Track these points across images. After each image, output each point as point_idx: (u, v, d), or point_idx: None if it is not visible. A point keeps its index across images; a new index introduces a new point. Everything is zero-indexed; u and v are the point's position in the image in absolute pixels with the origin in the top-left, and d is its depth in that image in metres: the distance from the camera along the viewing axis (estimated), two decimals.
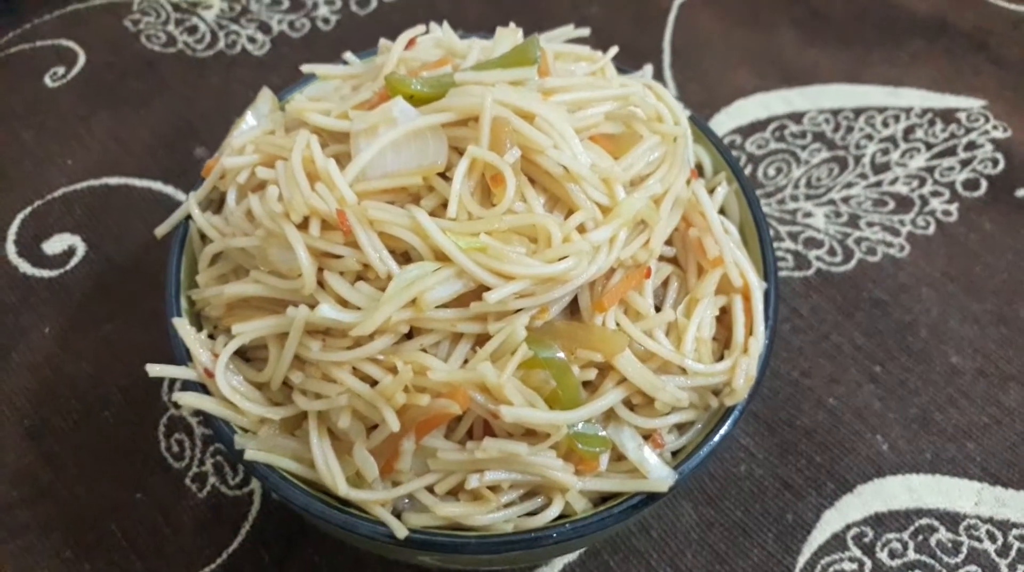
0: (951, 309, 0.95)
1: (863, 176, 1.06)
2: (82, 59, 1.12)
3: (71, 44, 1.13)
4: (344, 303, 0.58)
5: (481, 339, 0.58)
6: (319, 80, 0.73)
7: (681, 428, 0.63)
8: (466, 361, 0.58)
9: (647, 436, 0.61)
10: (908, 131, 1.10)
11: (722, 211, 0.72)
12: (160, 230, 0.69)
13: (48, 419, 0.85)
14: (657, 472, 0.58)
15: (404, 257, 0.59)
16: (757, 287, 0.63)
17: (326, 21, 1.18)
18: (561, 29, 0.77)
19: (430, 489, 0.59)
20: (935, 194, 1.04)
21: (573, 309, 0.61)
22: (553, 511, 0.58)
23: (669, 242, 0.64)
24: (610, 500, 0.60)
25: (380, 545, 0.58)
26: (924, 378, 0.90)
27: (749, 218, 0.70)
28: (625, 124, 0.65)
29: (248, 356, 0.64)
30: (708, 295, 0.61)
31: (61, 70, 1.11)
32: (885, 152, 1.08)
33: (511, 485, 0.58)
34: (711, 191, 0.70)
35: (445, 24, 0.70)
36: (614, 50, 0.68)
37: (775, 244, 1.00)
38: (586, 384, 0.60)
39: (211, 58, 1.14)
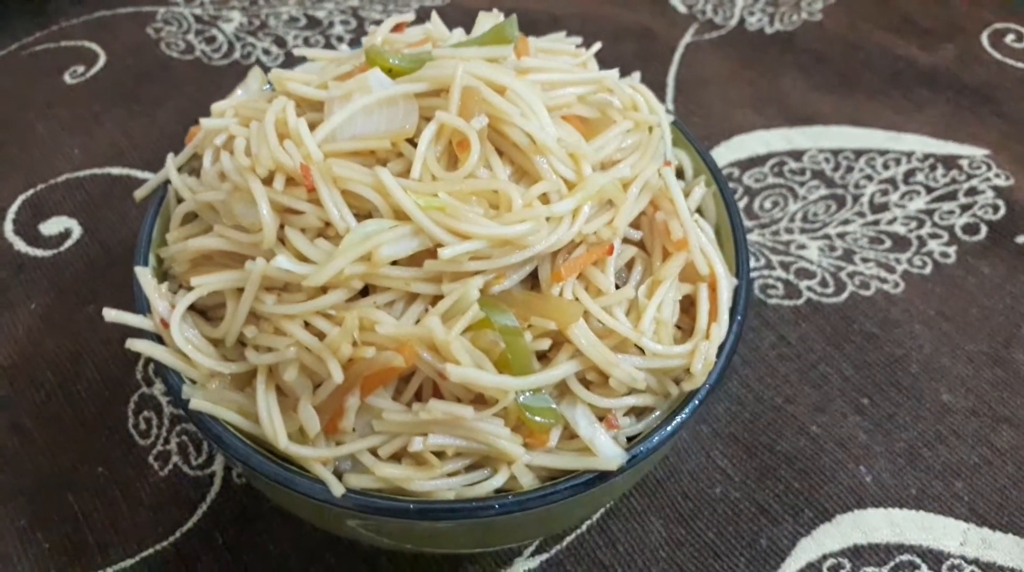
0: (944, 347, 0.93)
1: (861, 214, 1.05)
2: (102, 60, 1.16)
3: (93, 46, 1.18)
4: (303, 260, 0.58)
5: (436, 301, 0.57)
6: (309, 62, 0.75)
7: (639, 415, 0.62)
8: (418, 322, 0.57)
9: (602, 418, 0.59)
10: (909, 174, 1.10)
11: (700, 212, 0.72)
12: (139, 193, 0.70)
13: (22, 390, 0.86)
14: (607, 451, 0.57)
15: (367, 219, 0.59)
16: (724, 276, 0.62)
17: (340, 39, 1.22)
18: (551, 35, 0.78)
19: (373, 452, 0.57)
20: (933, 236, 1.03)
21: (534, 284, 0.61)
22: (497, 480, 0.56)
23: (637, 227, 0.64)
24: (557, 479, 0.58)
25: (316, 507, 0.57)
26: (913, 413, 0.88)
27: (726, 221, 0.70)
28: (600, 111, 0.65)
29: (208, 315, 0.64)
30: (671, 277, 0.60)
31: (81, 69, 1.15)
32: (884, 193, 1.08)
33: (456, 453, 0.57)
34: (688, 193, 0.70)
35: (434, 14, 0.72)
36: (597, 46, 0.69)
37: (764, 271, 0.99)
38: (541, 358, 0.59)
39: (226, 67, 1.17)
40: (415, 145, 0.59)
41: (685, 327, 0.64)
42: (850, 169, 1.10)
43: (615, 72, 0.66)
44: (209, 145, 0.66)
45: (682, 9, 1.31)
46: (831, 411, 0.88)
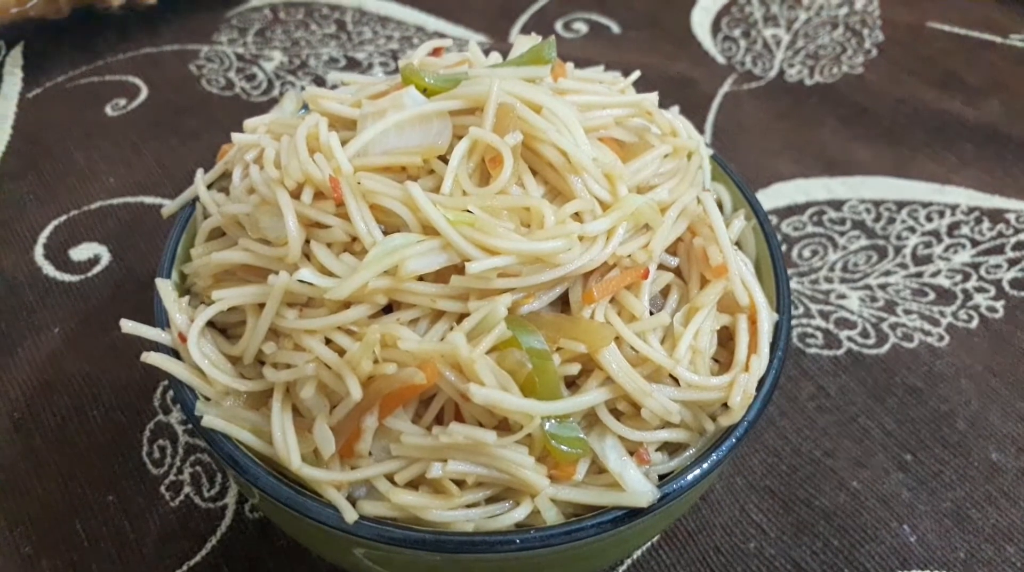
0: (993, 404, 0.89)
1: (903, 266, 1.02)
2: (144, 94, 1.18)
3: (136, 80, 1.20)
4: (328, 274, 0.56)
5: (463, 320, 0.55)
6: (344, 87, 0.74)
7: (672, 452, 0.58)
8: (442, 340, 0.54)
9: (632, 452, 0.56)
10: (953, 227, 1.06)
11: (738, 245, 0.69)
12: (167, 210, 0.69)
13: (37, 414, 0.84)
14: (638, 486, 0.53)
15: None
16: (764, 306, 0.59)
17: None
18: (589, 69, 0.77)
19: (390, 478, 0.54)
20: (980, 290, 1.00)
21: (563, 309, 0.58)
22: (518, 513, 0.53)
23: (673, 253, 0.61)
24: (583, 515, 0.55)
25: (327, 534, 0.54)
26: (960, 472, 0.83)
27: (766, 255, 0.67)
28: (638, 135, 0.63)
29: (228, 333, 0.63)
30: (708, 305, 0.57)
31: (123, 102, 1.17)
32: (928, 245, 1.04)
33: (477, 482, 0.54)
34: (727, 226, 0.68)
35: (472, 42, 0.72)
36: (636, 74, 0.68)
37: (803, 320, 0.95)
38: (568, 386, 0.57)
39: (265, 103, 1.18)
40: (447, 163, 0.58)
41: (722, 361, 0.61)
42: (892, 220, 1.07)
43: (654, 96, 0.64)
44: (239, 161, 0.65)
45: (721, 60, 1.30)
46: (872, 466, 0.84)
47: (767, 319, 0.59)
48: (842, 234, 1.06)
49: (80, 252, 0.99)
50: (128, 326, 0.59)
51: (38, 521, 0.76)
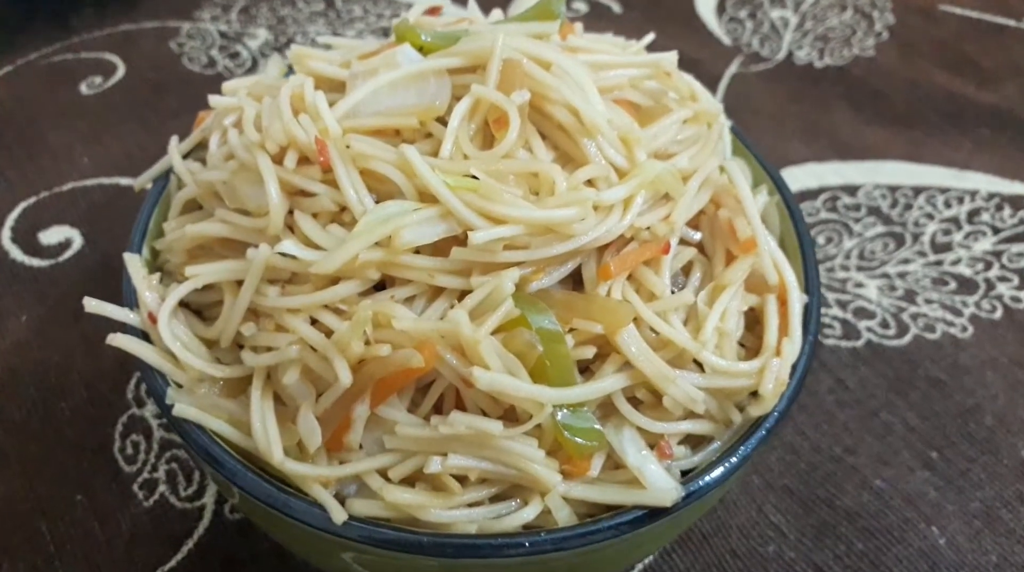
0: (1021, 398, 0.84)
1: (922, 254, 0.97)
2: (121, 72, 1.13)
3: (113, 58, 1.15)
4: (313, 247, 0.50)
5: (464, 298, 0.49)
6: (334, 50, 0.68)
7: (695, 445, 0.53)
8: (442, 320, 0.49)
9: (652, 445, 0.51)
10: (973, 214, 1.01)
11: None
12: (139, 182, 0.64)
13: (2, 406, 0.78)
14: (660, 483, 0.48)
15: None
16: (794, 285, 0.54)
17: None
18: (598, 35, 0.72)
19: (383, 474, 0.49)
20: (1003, 279, 0.95)
21: (575, 286, 0.52)
22: (527, 513, 0.47)
23: (695, 227, 0.56)
24: (599, 515, 0.49)
25: (313, 537, 0.48)
26: (989, 470, 0.79)
27: (791, 231, 0.62)
28: (653, 99, 0.58)
29: (204, 315, 0.57)
30: (736, 283, 0.52)
31: (99, 80, 1.12)
32: (947, 232, 1.00)
33: (481, 479, 0.48)
34: None
35: (471, 1, 0.66)
36: (650, 37, 0.63)
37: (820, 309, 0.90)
38: (582, 371, 0.51)
39: None
40: (446, 125, 0.52)
41: (748, 345, 0.55)
42: (909, 206, 1.02)
43: (673, 55, 0.59)
44: (217, 127, 0.59)
45: (727, 42, 1.25)
46: (896, 464, 0.79)
47: (798, 300, 0.54)
48: (857, 220, 1.01)
49: (50, 235, 0.93)
50: (92, 305, 0.53)
51: (0, 521, 0.71)
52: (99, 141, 1.03)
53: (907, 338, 0.88)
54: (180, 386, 0.52)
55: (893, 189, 1.05)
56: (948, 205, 1.03)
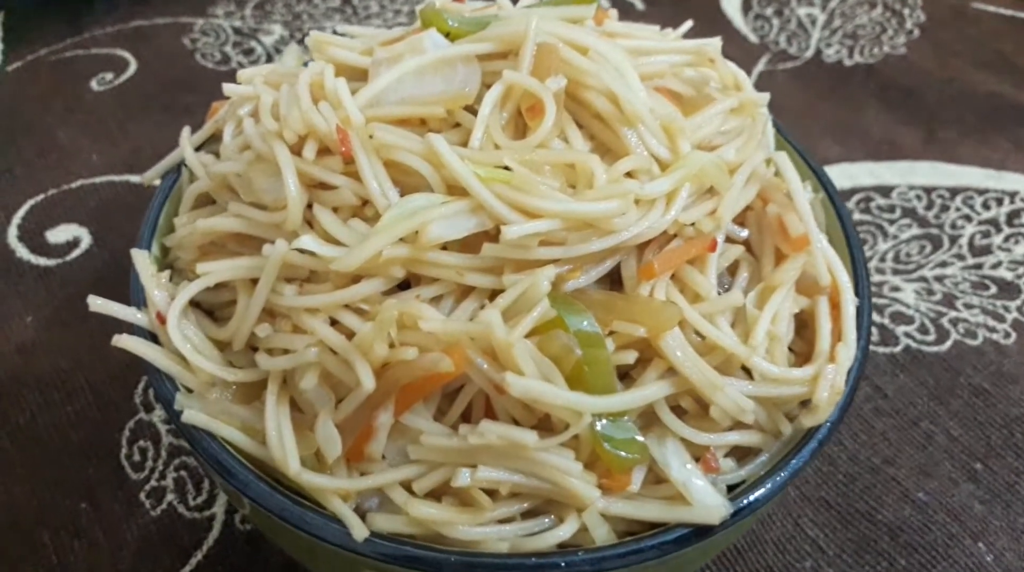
0: None
1: (960, 257, 0.93)
2: (132, 68, 1.11)
3: (125, 54, 1.12)
4: (334, 243, 0.47)
5: (495, 297, 0.45)
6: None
7: (740, 458, 0.49)
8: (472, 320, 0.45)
9: (697, 458, 0.47)
10: (1013, 216, 0.98)
11: None
12: (148, 176, 0.61)
13: (4, 410, 0.76)
14: (706, 499, 0.44)
15: None
16: (848, 287, 0.50)
17: None
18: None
19: (407, 487, 0.45)
20: None
21: (613, 286, 0.49)
22: (563, 531, 0.44)
23: (742, 223, 0.52)
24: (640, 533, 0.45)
25: (331, 554, 0.44)
26: None
27: (838, 230, 0.58)
28: (696, 89, 0.54)
29: (216, 316, 0.54)
30: (787, 283, 0.48)
31: (110, 76, 1.09)
32: (986, 235, 0.96)
33: (512, 493, 0.45)
34: None
35: None
36: (687, 24, 0.59)
37: (871, 313, 0.87)
38: (622, 377, 0.47)
39: None
40: (476, 115, 0.49)
41: (797, 351, 0.52)
42: (945, 208, 0.99)
43: (717, 41, 0.55)
44: (232, 117, 0.56)
45: (753, 39, 1.22)
46: (939, 476, 0.75)
47: (852, 302, 0.50)
48: (892, 222, 0.97)
49: (58, 234, 0.90)
50: (97, 304, 0.50)
51: (1, 531, 0.68)
52: (109, 138, 1.01)
53: (947, 344, 0.85)
54: (190, 391, 0.49)
55: (928, 190, 1.01)
56: (986, 206, 0.99)
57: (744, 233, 0.52)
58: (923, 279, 0.91)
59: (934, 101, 1.13)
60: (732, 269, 0.51)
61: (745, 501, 0.45)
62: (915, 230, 0.96)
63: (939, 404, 0.80)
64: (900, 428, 0.79)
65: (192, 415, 0.47)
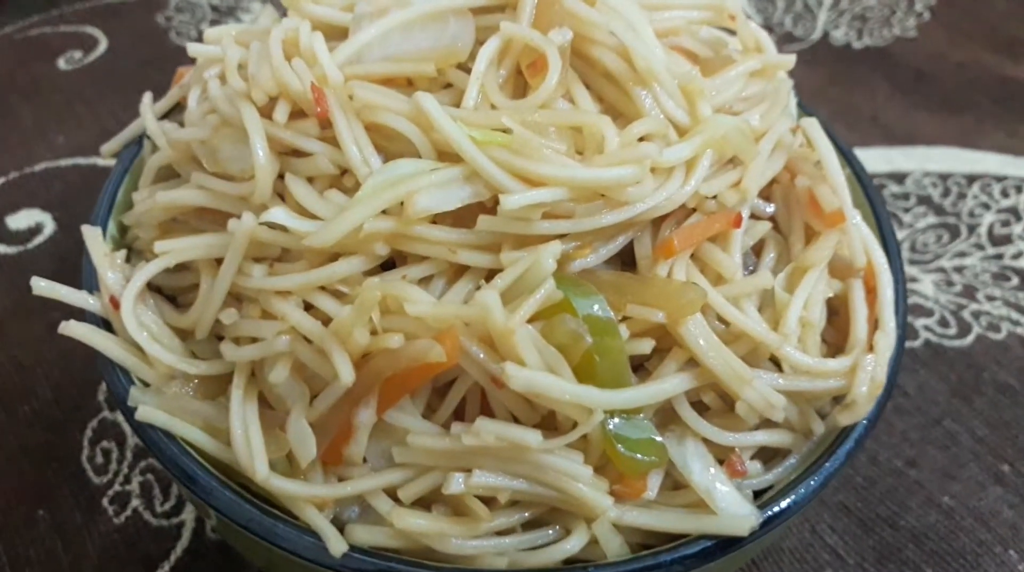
0: None
1: (979, 246, 0.89)
2: (103, 46, 1.06)
3: (95, 32, 1.08)
4: (308, 217, 0.41)
5: (492, 278, 0.40)
6: None
7: (768, 460, 0.44)
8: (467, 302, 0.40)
9: (721, 460, 0.42)
10: None
11: None
12: (107, 147, 0.55)
13: None
14: (733, 507, 0.39)
15: None
16: (886, 268, 0.45)
17: None
18: None
19: (392, 493, 0.40)
20: None
21: (625, 266, 0.43)
22: (570, 545, 0.39)
23: (767, 197, 0.47)
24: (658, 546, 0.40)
25: (306, 569, 0.39)
26: None
27: (867, 209, 0.53)
28: (714, 50, 0.49)
29: (179, 301, 0.48)
30: (819, 264, 0.43)
31: (78, 55, 1.04)
32: (1006, 223, 0.91)
33: (513, 500, 0.40)
34: None
35: None
36: None
37: (906, 297, 0.82)
38: (636, 368, 0.42)
39: None
40: (469, 73, 0.43)
41: (829, 339, 0.46)
42: (962, 195, 0.94)
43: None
44: (197, 81, 0.50)
45: (757, 20, 1.17)
46: (964, 479, 0.71)
47: (889, 285, 0.45)
48: (907, 210, 0.93)
49: (19, 220, 0.86)
50: (41, 286, 0.44)
51: None
52: (75, 119, 0.96)
53: (970, 338, 0.80)
54: (147, 385, 0.44)
55: (944, 177, 0.97)
56: (1005, 194, 0.95)
57: (770, 208, 0.47)
58: (942, 270, 0.87)
59: (949, 85, 1.09)
60: (757, 248, 0.46)
61: (776, 508, 0.40)
62: (931, 218, 0.92)
63: (963, 402, 0.76)
64: (922, 427, 0.74)
65: (148, 412, 0.41)
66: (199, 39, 1.03)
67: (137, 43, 1.06)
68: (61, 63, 1.02)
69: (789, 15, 1.19)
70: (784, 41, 1.14)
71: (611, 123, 0.41)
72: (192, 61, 0.53)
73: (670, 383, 0.40)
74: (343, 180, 0.43)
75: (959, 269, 0.87)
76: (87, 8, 1.10)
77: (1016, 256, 0.88)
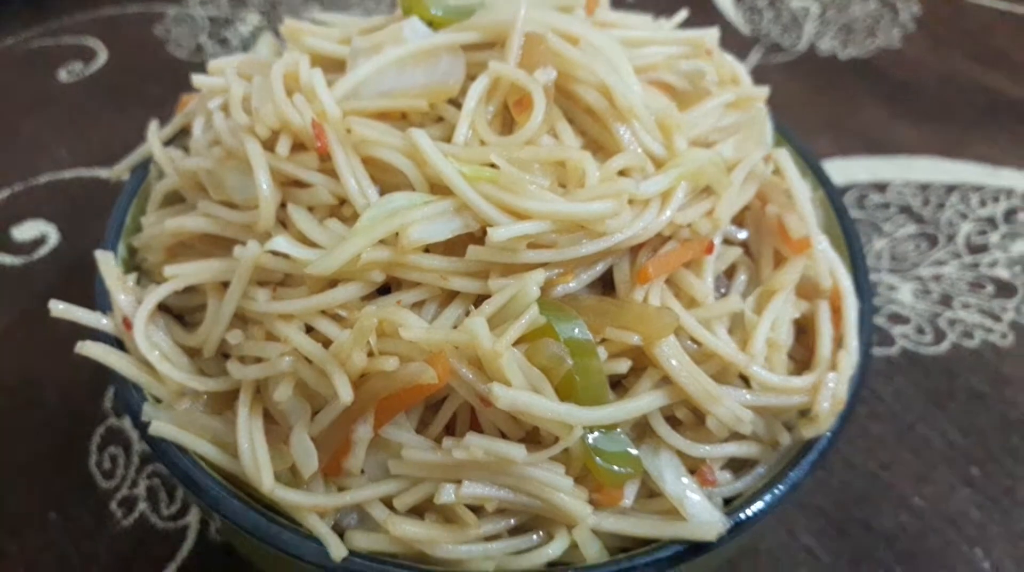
0: None
1: (956, 255, 0.91)
2: (103, 58, 1.08)
3: (95, 43, 1.10)
4: (309, 245, 0.44)
5: (481, 303, 0.43)
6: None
7: (738, 470, 0.47)
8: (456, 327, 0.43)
9: (693, 471, 0.45)
10: (1010, 213, 0.96)
11: None
12: (115, 171, 0.58)
13: None
14: (703, 514, 0.42)
15: None
16: (851, 291, 0.48)
17: None
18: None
19: (388, 503, 0.43)
20: None
21: (605, 291, 0.46)
22: (552, 549, 0.42)
23: (739, 223, 0.50)
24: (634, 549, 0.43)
25: None
26: None
27: (837, 230, 0.56)
28: (692, 83, 0.52)
29: (186, 321, 0.51)
30: (786, 287, 0.46)
31: (79, 66, 1.06)
32: (982, 233, 0.94)
33: (499, 509, 0.43)
34: None
35: None
36: (683, 14, 0.57)
37: (873, 317, 0.85)
38: (614, 385, 0.45)
39: None
40: (460, 108, 0.46)
41: (796, 357, 0.49)
42: (941, 205, 0.97)
43: (715, 31, 0.53)
44: (202, 110, 0.53)
45: (745, 31, 1.20)
46: (936, 481, 0.74)
47: (854, 307, 0.48)
48: (887, 219, 0.95)
49: (24, 231, 0.88)
50: (59, 309, 0.47)
51: None
52: (77, 131, 0.98)
53: (944, 346, 0.83)
54: (159, 401, 0.46)
55: (924, 187, 0.99)
56: (983, 204, 0.97)
57: (742, 234, 0.50)
58: (919, 278, 0.89)
59: (931, 96, 1.11)
60: (729, 272, 0.49)
61: (743, 516, 0.43)
62: (911, 228, 0.95)
63: (936, 408, 0.79)
64: (897, 432, 0.77)
65: (160, 427, 0.44)
66: (196, 51, 1.06)
67: (136, 55, 1.08)
68: (62, 75, 1.04)
69: (776, 26, 1.21)
70: (772, 52, 1.17)
71: (592, 159, 0.43)
72: (189, 76, 0.55)
73: (645, 400, 0.43)
74: (342, 210, 0.45)
75: (937, 277, 0.89)
76: (87, 19, 1.11)
77: (992, 265, 0.91)
